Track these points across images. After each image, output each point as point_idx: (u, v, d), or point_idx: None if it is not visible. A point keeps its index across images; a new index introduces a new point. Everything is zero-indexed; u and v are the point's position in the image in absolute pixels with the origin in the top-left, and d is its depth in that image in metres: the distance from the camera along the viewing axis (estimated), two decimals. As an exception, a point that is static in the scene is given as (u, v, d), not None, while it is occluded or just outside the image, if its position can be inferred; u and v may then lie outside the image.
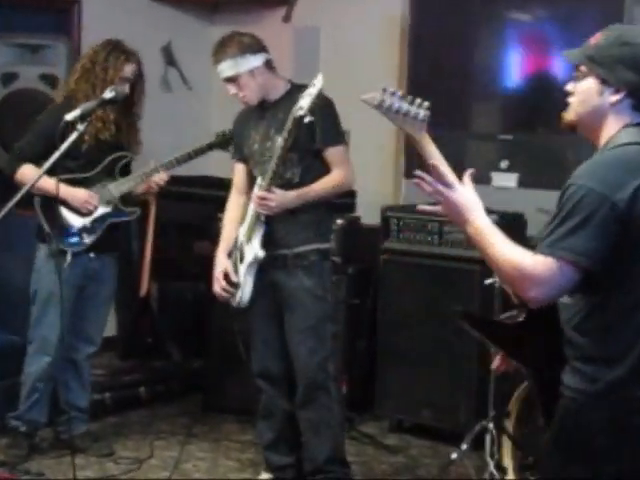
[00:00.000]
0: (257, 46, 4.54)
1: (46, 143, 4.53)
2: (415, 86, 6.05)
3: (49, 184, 4.54)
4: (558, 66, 5.68)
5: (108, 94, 4.20)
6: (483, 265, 5.20)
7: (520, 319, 2.92)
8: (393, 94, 2.66)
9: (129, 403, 6.03)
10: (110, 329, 6.45)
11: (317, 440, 4.65)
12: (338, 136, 4.60)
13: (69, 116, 3.97)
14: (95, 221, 5.04)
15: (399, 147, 6.40)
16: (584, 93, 2.69)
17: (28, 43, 6.08)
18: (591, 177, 2.54)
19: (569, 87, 2.75)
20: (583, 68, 2.70)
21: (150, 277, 5.93)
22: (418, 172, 2.68)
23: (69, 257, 4.95)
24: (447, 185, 2.67)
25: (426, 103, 2.69)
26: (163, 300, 6.61)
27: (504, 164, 5.72)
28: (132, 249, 6.43)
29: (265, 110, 4.59)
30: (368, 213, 6.09)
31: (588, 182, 2.52)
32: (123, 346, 6.47)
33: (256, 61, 4.50)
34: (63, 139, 3.92)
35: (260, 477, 4.92)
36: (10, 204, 3.74)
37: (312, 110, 4.24)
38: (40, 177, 4.03)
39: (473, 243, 2.70)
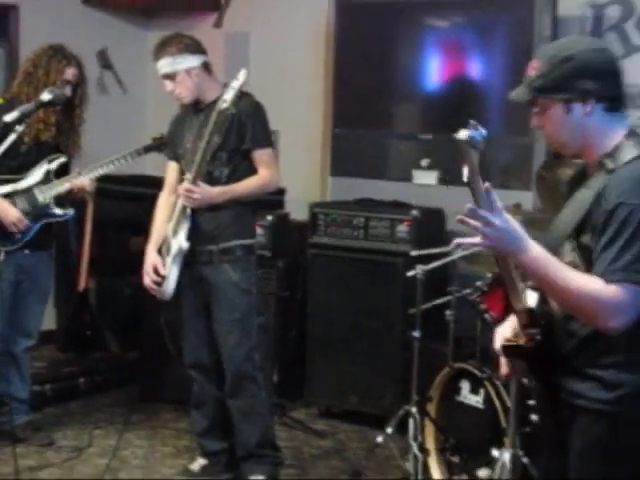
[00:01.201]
0: (196, 48, 4.67)
1: None
2: (341, 88, 6.23)
3: None
4: (474, 70, 5.86)
5: (46, 96, 4.25)
6: (405, 257, 5.42)
7: (538, 338, 2.71)
8: (476, 126, 2.36)
9: (69, 394, 6.09)
10: (50, 323, 6.49)
11: (247, 427, 4.75)
12: (266, 139, 4.71)
13: (7, 117, 4.01)
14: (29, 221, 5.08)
15: (326, 146, 6.49)
16: (553, 122, 2.60)
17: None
18: None
19: (535, 124, 2.65)
20: (540, 100, 2.60)
21: (88, 273, 5.91)
22: (470, 206, 2.41)
23: (2, 255, 4.98)
24: (496, 212, 2.42)
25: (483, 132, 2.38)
26: (101, 295, 6.62)
27: (425, 162, 5.85)
28: (70, 246, 6.42)
29: (199, 111, 4.70)
30: (296, 209, 6.21)
31: None
32: (63, 339, 6.48)
33: (194, 61, 4.63)
34: (2, 140, 4.00)
35: (195, 463, 5.01)
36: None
37: (235, 103, 4.38)
38: None
39: (527, 271, 2.51)
